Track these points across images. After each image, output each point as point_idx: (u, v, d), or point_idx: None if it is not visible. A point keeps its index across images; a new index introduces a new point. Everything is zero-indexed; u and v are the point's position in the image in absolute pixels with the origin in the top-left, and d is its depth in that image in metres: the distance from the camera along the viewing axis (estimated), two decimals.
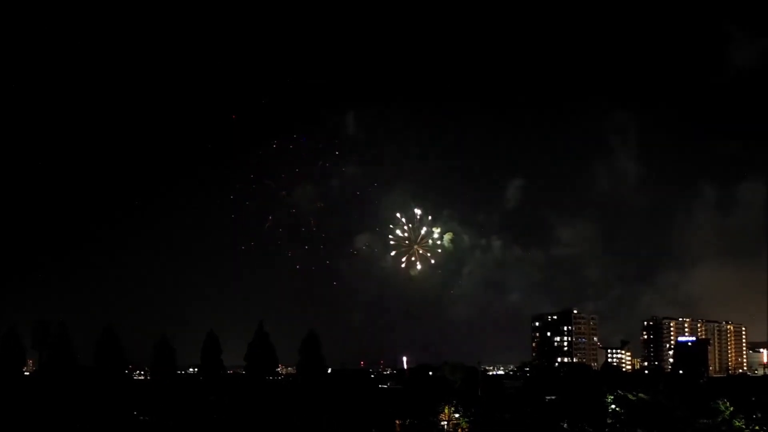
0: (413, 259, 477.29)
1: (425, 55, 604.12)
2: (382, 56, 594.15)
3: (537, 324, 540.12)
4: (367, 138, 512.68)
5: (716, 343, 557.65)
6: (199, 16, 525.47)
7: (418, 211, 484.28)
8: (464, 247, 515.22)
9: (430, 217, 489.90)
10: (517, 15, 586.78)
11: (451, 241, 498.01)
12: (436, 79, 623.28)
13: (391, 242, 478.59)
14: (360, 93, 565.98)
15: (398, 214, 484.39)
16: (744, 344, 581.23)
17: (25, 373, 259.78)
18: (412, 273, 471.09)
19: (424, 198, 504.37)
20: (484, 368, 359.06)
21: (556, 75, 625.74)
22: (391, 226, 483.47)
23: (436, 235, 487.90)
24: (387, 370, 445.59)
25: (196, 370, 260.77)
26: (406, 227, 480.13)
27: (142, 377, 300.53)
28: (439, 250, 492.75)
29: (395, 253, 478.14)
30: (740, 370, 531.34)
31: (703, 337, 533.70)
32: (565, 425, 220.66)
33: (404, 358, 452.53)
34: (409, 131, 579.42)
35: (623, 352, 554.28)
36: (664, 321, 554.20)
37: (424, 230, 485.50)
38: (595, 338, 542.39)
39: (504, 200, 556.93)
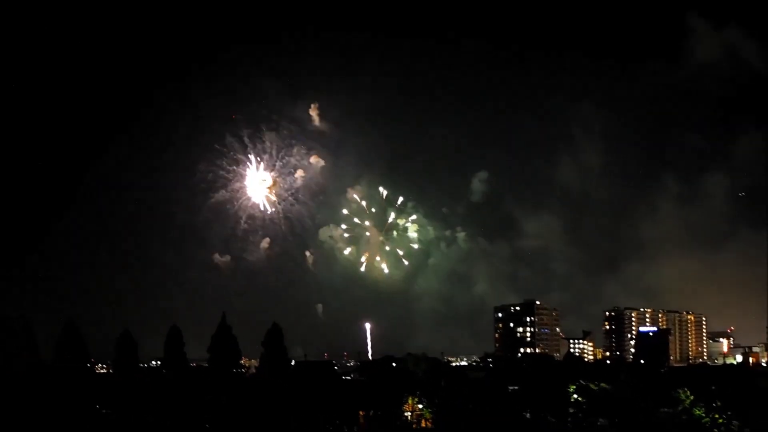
0: (377, 257, 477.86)
1: (389, 48, 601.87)
2: (345, 48, 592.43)
3: (500, 315, 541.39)
4: (331, 130, 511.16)
5: (677, 333, 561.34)
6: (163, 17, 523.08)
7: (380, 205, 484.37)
8: (429, 239, 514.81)
9: (392, 213, 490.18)
10: (481, 7, 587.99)
11: (417, 232, 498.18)
12: (400, 71, 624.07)
13: (348, 235, 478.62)
14: (324, 85, 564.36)
15: (364, 203, 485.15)
16: (704, 334, 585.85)
17: None
18: (375, 265, 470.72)
19: (389, 190, 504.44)
20: (447, 359, 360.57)
21: (520, 66, 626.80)
22: (356, 219, 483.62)
23: (402, 226, 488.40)
24: (351, 362, 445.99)
25: (159, 363, 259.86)
26: (368, 221, 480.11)
27: (105, 371, 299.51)
28: (412, 244, 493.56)
29: (358, 246, 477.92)
30: (700, 360, 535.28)
31: (665, 327, 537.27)
32: (528, 415, 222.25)
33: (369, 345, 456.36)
34: (374, 124, 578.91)
35: (585, 342, 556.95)
36: (626, 311, 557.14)
37: (391, 217, 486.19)
38: (557, 329, 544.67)
39: (469, 193, 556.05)
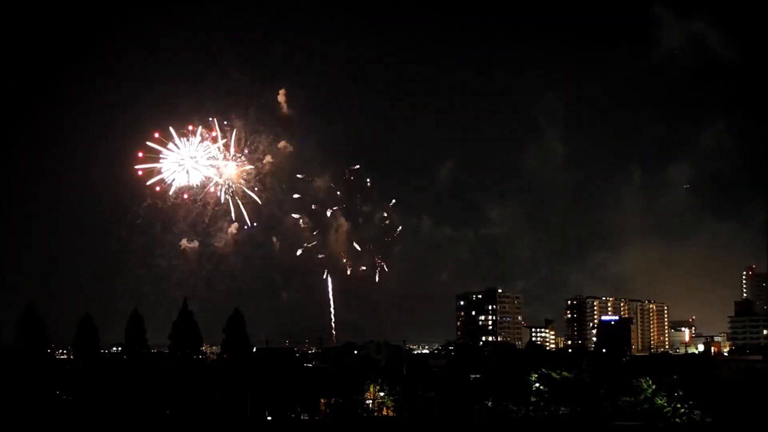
0: (342, 244, 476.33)
1: (357, 36, 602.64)
2: (315, 34, 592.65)
3: (462, 303, 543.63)
4: (299, 117, 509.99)
5: (639, 322, 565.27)
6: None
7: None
8: (395, 227, 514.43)
9: (359, 200, 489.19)
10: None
11: (383, 219, 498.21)
12: (368, 60, 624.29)
13: (312, 222, 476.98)
14: (291, 72, 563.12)
15: (330, 189, 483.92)
16: (666, 323, 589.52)
17: None
18: (340, 253, 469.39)
19: (355, 177, 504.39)
20: (409, 347, 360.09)
21: (486, 56, 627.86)
22: (321, 206, 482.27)
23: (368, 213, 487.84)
24: (312, 349, 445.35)
25: (120, 349, 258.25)
26: (334, 208, 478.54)
27: (65, 357, 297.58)
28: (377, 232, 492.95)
29: (324, 233, 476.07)
30: (662, 349, 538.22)
31: (627, 316, 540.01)
32: (490, 403, 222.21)
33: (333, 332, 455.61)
34: (340, 112, 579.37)
35: (547, 331, 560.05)
36: (588, 300, 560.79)
37: (358, 204, 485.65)
38: (519, 317, 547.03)
39: (435, 180, 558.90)
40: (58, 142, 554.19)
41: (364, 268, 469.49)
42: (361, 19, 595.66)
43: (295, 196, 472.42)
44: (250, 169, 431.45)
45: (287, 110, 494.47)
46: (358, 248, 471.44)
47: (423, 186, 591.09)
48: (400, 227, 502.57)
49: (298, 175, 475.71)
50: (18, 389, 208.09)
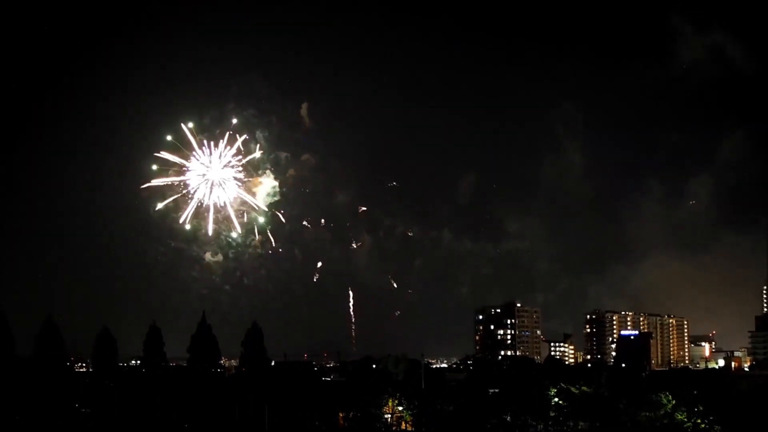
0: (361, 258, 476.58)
1: (377, 49, 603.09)
2: (333, 47, 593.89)
3: (480, 317, 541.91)
4: (320, 130, 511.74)
5: (659, 337, 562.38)
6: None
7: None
8: (415, 241, 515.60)
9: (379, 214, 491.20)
10: (468, 9, 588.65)
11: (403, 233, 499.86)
12: (388, 73, 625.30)
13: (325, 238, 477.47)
14: (313, 84, 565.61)
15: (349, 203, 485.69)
16: (686, 338, 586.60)
17: None
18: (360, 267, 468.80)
19: (376, 191, 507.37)
20: (428, 361, 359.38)
21: (505, 67, 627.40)
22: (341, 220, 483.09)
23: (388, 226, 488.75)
24: (330, 363, 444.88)
25: (138, 362, 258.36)
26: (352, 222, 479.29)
27: (84, 369, 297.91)
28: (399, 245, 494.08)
29: (344, 246, 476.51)
30: (682, 364, 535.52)
31: (646, 330, 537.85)
32: (508, 418, 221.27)
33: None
34: (361, 125, 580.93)
35: (566, 345, 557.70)
36: (607, 314, 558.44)
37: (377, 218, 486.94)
38: (538, 331, 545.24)
39: (455, 194, 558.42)
40: (81, 152, 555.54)
41: (387, 281, 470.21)
42: (379, 32, 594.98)
43: (317, 209, 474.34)
44: (273, 182, 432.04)
45: (309, 124, 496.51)
46: (379, 261, 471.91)
47: (443, 199, 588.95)
48: (420, 240, 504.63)
49: (320, 189, 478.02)
50: (36, 401, 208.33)
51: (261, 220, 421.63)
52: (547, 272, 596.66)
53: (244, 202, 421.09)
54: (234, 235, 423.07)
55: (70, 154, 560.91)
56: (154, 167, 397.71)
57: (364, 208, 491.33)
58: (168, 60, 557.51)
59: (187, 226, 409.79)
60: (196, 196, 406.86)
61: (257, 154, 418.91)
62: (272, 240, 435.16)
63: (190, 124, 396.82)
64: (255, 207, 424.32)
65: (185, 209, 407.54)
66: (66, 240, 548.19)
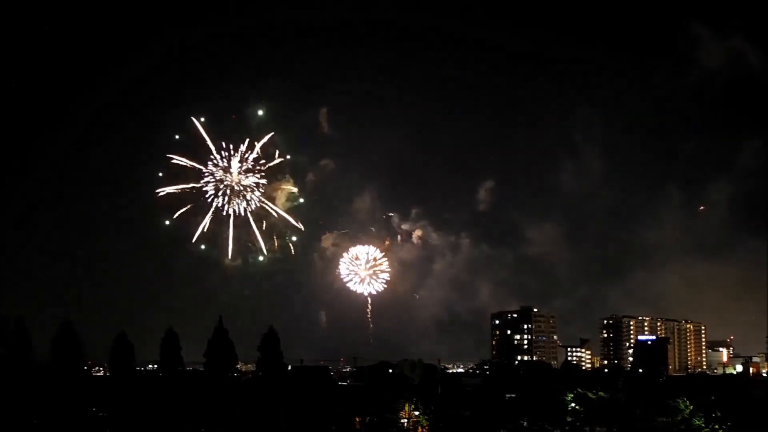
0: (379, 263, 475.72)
1: (400, 55, 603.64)
2: (357, 54, 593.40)
3: (497, 322, 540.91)
4: (339, 135, 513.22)
5: (676, 342, 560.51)
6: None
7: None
8: (433, 245, 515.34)
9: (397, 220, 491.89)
10: (486, 14, 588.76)
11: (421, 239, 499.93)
12: (407, 78, 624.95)
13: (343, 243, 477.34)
14: (332, 90, 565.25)
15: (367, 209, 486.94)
16: (704, 343, 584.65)
17: None
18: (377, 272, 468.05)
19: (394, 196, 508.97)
20: (444, 366, 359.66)
21: (524, 73, 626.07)
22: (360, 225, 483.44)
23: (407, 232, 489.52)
24: (347, 368, 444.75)
25: (155, 366, 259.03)
26: (373, 227, 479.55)
27: (101, 374, 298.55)
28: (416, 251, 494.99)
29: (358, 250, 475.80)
30: (700, 369, 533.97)
31: (663, 335, 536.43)
32: (525, 423, 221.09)
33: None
34: (380, 131, 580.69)
35: (583, 350, 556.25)
36: (624, 319, 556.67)
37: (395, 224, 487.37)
38: (555, 336, 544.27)
39: (474, 200, 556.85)
40: (99, 157, 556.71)
41: (401, 286, 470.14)
42: (399, 37, 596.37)
43: (335, 214, 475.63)
44: (291, 187, 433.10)
45: (328, 129, 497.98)
46: (397, 266, 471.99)
47: (462, 204, 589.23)
48: (438, 245, 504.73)
49: (339, 194, 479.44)
50: (54, 406, 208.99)
51: (280, 225, 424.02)
52: (565, 278, 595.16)
53: (262, 207, 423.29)
54: (259, 243, 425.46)
55: (88, 159, 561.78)
56: (162, 173, 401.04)
57: (392, 214, 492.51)
58: (185, 62, 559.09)
59: (205, 231, 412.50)
60: (214, 203, 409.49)
61: (276, 159, 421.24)
62: (291, 246, 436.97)
63: (200, 128, 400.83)
64: (274, 213, 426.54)
65: (203, 214, 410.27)
66: (83, 245, 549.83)
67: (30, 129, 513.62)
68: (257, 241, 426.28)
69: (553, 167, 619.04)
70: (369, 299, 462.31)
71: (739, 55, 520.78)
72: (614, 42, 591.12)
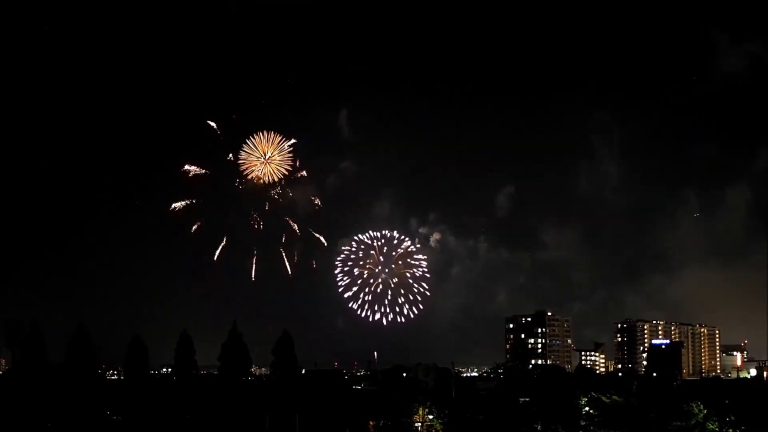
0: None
1: (418, 60, 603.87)
2: (376, 59, 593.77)
3: (511, 326, 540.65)
4: (359, 140, 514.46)
5: (690, 346, 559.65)
6: (192, 18, 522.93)
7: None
8: (451, 249, 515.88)
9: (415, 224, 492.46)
10: (504, 20, 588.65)
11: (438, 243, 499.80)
12: (428, 83, 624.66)
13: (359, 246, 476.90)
14: (352, 95, 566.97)
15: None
16: (718, 347, 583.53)
17: None
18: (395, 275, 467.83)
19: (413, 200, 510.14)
20: (458, 370, 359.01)
21: (542, 79, 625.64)
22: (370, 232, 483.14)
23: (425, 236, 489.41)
24: (361, 371, 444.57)
25: (169, 370, 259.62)
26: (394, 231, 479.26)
27: (115, 377, 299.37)
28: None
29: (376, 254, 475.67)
30: (714, 373, 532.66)
31: (677, 340, 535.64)
32: (539, 427, 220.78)
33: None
34: (400, 137, 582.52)
35: (597, 354, 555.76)
36: (638, 324, 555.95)
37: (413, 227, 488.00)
38: (569, 340, 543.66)
39: (492, 204, 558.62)
40: (115, 161, 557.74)
41: (418, 290, 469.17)
42: (418, 43, 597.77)
43: (353, 217, 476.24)
44: (311, 190, 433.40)
45: (348, 132, 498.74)
46: (413, 270, 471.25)
47: (479, 208, 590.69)
48: (456, 249, 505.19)
49: (358, 197, 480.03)
50: (68, 408, 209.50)
51: (297, 228, 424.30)
52: (582, 282, 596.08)
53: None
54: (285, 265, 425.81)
55: (105, 162, 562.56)
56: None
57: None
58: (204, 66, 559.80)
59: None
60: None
61: (296, 163, 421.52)
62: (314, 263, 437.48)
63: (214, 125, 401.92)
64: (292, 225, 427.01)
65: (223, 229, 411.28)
66: (98, 248, 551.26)
67: (51, 131, 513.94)
68: (284, 262, 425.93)
69: (571, 172, 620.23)
70: (386, 300, 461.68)
71: (756, 59, 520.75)
72: (632, 47, 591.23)
